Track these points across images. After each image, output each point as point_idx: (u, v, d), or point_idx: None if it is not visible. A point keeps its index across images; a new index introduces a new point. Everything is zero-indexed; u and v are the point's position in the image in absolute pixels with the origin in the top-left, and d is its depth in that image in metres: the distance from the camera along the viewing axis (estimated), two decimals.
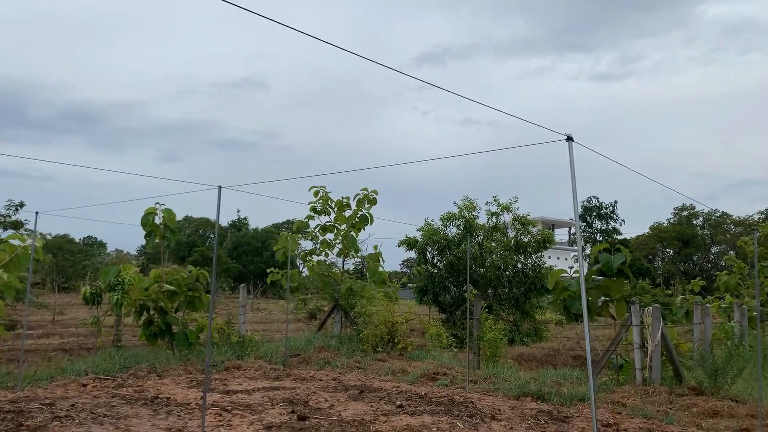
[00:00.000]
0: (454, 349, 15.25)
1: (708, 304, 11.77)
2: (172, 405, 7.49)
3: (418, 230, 24.26)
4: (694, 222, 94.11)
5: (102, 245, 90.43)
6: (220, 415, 7.00)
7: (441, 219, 24.35)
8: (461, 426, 6.96)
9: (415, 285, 24.91)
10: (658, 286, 56.27)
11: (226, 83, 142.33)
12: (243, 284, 13.89)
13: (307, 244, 15.33)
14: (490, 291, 23.92)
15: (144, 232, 11.63)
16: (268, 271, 14.39)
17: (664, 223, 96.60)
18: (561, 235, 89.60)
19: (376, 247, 15.10)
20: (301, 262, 14.76)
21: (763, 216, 73.99)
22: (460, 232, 24.13)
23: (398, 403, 8.14)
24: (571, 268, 12.09)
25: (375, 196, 14.83)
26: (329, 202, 14.83)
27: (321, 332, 14.38)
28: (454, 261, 23.18)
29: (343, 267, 14.93)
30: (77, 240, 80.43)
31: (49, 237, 62.20)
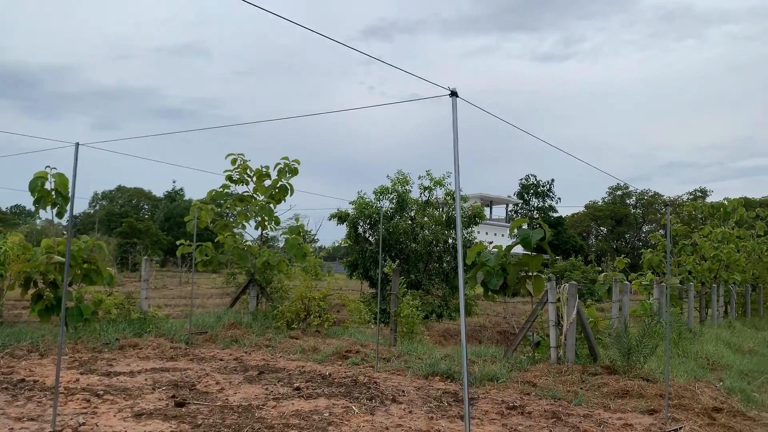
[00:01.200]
0: (380, 325, 14.81)
1: (628, 282, 11.65)
2: (37, 390, 6.72)
3: (350, 203, 23.69)
4: (627, 201, 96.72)
5: (30, 214, 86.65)
6: (88, 401, 6.28)
7: (374, 193, 23.83)
8: (356, 410, 6.46)
9: (346, 260, 24.40)
10: (590, 263, 57.60)
11: (165, 49, 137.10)
12: (145, 257, 12.99)
13: None
14: (420, 265, 23.63)
15: (33, 198, 10.61)
16: (177, 243, 13.54)
17: (599, 201, 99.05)
18: (499, 211, 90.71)
19: (297, 219, 14.46)
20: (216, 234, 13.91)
21: (691, 197, 76.60)
22: (393, 206, 23.67)
23: (296, 385, 7.59)
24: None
25: (296, 165, 14.13)
26: (247, 171, 14.03)
27: (237, 309, 13.67)
28: (386, 236, 22.72)
29: (260, 239, 14.21)
30: (3, 209, 76.78)
31: None
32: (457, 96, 3.70)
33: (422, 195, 23.68)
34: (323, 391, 7.34)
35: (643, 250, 21.93)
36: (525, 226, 10.98)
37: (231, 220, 14.20)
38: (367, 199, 23.47)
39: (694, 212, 22.82)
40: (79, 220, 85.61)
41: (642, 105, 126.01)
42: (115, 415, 5.80)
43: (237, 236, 13.82)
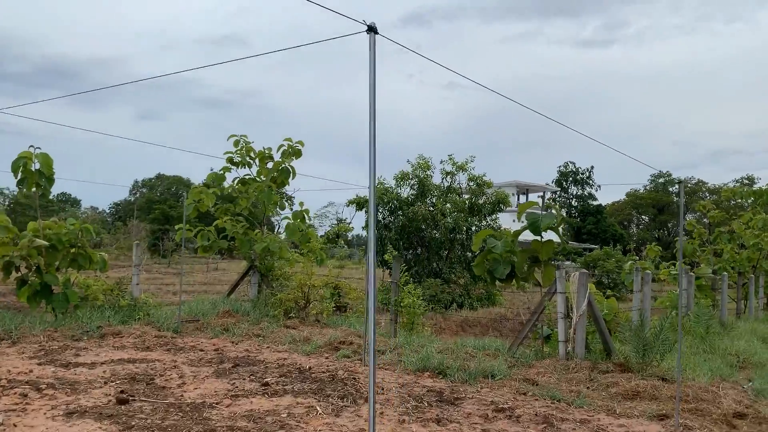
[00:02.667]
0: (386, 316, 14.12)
1: (650, 271, 10.71)
2: None
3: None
4: (670, 189, 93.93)
5: (76, 202, 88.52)
6: (26, 396, 5.75)
7: (394, 178, 23.11)
8: (320, 410, 5.79)
9: (361, 248, 23.76)
10: (628, 252, 55.76)
11: (206, 40, 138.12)
12: (137, 242, 12.52)
13: None
14: (442, 253, 22.84)
15: (16, 179, 10.19)
16: (176, 227, 13.05)
17: (640, 189, 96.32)
18: (535, 199, 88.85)
19: (302, 203, 13.82)
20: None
21: (737, 184, 73.71)
22: (414, 192, 22.91)
23: (267, 380, 6.95)
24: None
25: (300, 147, 13.47)
26: (251, 153, 13.44)
27: (237, 296, 13.14)
28: (406, 222, 21.99)
29: (263, 224, 13.62)
30: (50, 197, 78.48)
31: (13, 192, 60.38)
32: (376, 32, 2.98)
33: (444, 180, 22.85)
34: (294, 387, 6.69)
35: (675, 238, 20.69)
36: (536, 210, 10.14)
37: (232, 204, 13.64)
38: (386, 185, 22.74)
39: (734, 198, 21.44)
40: (120, 208, 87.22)
41: (688, 91, 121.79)
42: (45, 413, 5.24)
43: (237, 220, 13.26)
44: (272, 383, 6.80)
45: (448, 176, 22.73)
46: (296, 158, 13.46)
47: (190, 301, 12.27)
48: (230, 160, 13.26)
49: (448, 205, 22.70)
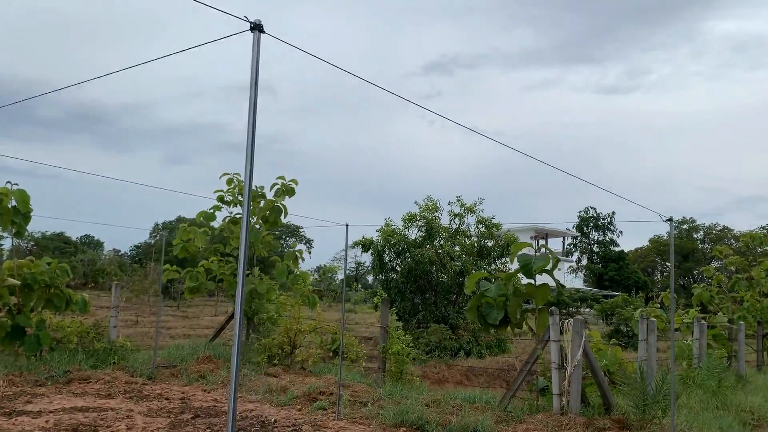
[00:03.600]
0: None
1: (653, 319, 9.98)
2: None
3: (377, 231, 22.52)
4: (695, 236, 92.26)
5: (99, 244, 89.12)
6: None
7: (402, 219, 22.62)
8: None
9: (369, 291, 23.14)
10: (650, 300, 54.22)
11: (233, 87, 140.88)
12: (116, 282, 12.11)
13: None
14: (451, 297, 22.14)
15: None
16: (163, 268, 12.63)
17: (663, 236, 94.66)
18: (554, 245, 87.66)
19: (294, 245, 13.38)
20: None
21: (765, 231, 71.94)
22: (422, 234, 22.37)
23: None
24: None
25: (293, 186, 13.08)
26: (242, 192, 13.06)
27: (223, 340, 12.59)
28: (413, 265, 21.38)
29: (254, 265, 13.14)
30: (74, 239, 79.34)
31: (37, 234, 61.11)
32: (262, 31, 2.55)
33: (452, 222, 22.30)
34: None
35: (695, 285, 19.80)
36: (529, 251, 9.56)
37: (222, 244, 13.23)
38: (393, 227, 22.25)
39: (753, 244, 20.55)
40: (141, 250, 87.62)
41: (712, 137, 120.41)
42: None
43: (227, 261, 12.82)
44: None
45: (456, 218, 22.19)
46: (289, 196, 13.05)
47: (170, 346, 11.76)
48: (221, 199, 12.89)
49: (457, 247, 22.11)
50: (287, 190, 13.00)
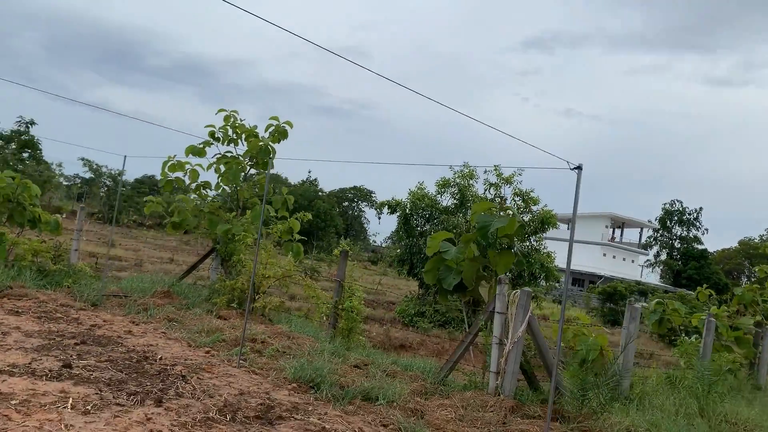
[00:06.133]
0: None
1: (638, 305, 8.72)
2: None
3: (408, 194, 21.63)
4: None
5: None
6: None
7: (436, 185, 21.60)
8: (71, 405, 4.60)
9: (393, 254, 22.38)
10: (723, 303, 50.74)
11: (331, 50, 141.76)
12: (82, 206, 11.86)
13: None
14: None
15: None
16: (145, 200, 12.30)
17: (755, 238, 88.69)
18: (631, 235, 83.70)
19: (284, 190, 12.75)
20: (195, 194, 12.56)
21: None
22: (455, 201, 21.30)
23: (79, 363, 5.85)
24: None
25: (287, 128, 12.43)
26: (236, 129, 12.54)
27: (195, 279, 12.22)
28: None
29: (240, 207, 12.63)
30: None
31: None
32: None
33: (487, 192, 21.07)
34: (98, 375, 5.54)
35: (746, 284, 17.87)
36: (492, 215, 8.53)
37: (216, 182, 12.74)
38: (425, 191, 21.29)
39: None
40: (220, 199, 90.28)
41: None
42: None
43: (214, 200, 12.38)
44: (80, 367, 5.69)
45: (492, 188, 20.94)
46: (283, 138, 12.41)
47: (133, 276, 11.47)
48: (212, 135, 12.40)
49: None
50: (280, 132, 12.37)
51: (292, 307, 14.59)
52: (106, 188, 63.46)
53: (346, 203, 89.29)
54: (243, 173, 12.28)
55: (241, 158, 12.46)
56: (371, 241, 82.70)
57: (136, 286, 10.56)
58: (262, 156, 12.08)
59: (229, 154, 12.48)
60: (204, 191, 12.62)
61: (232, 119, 12.68)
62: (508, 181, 20.75)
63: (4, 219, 10.06)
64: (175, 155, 12.21)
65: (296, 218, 12.01)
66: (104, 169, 60.21)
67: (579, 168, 4.40)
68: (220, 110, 12.61)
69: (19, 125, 31.75)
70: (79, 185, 64.76)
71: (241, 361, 7.06)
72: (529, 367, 7.77)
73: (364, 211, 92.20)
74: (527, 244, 20.76)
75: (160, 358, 6.58)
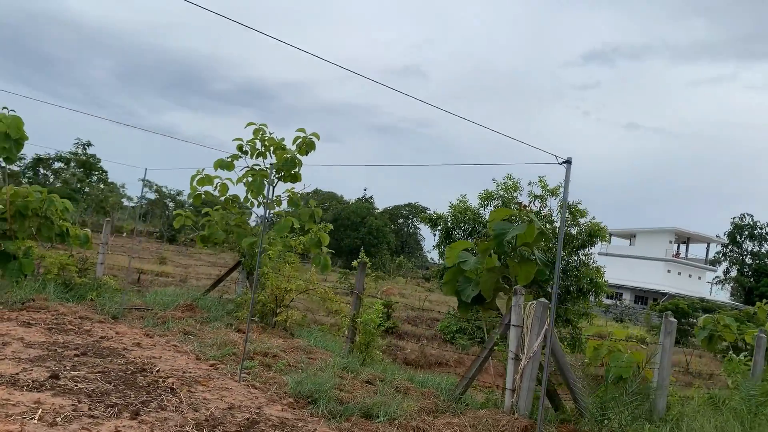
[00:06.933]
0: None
1: (673, 319, 8.04)
2: None
3: (448, 207, 21.17)
4: None
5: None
6: None
7: (478, 197, 21.07)
8: (38, 416, 4.44)
9: (435, 270, 21.89)
10: None
11: (387, 70, 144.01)
12: (107, 219, 11.94)
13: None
14: (535, 288, 20.36)
15: None
16: (175, 213, 12.32)
17: None
18: (697, 250, 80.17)
19: (311, 201, 12.59)
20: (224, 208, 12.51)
21: None
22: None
23: (67, 374, 5.73)
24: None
25: (314, 140, 12.29)
26: (264, 141, 12.47)
27: (219, 293, 12.13)
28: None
29: (266, 218, 12.50)
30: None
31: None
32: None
33: (532, 204, 20.37)
34: (83, 386, 5.39)
35: None
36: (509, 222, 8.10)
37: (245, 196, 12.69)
38: (468, 204, 20.80)
39: None
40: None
41: None
42: None
43: (242, 212, 12.32)
44: (68, 378, 5.57)
45: (536, 200, 20.23)
46: (311, 150, 12.27)
47: (158, 290, 11.45)
48: (239, 148, 12.36)
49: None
50: (307, 144, 12.23)
51: (327, 321, 14.34)
52: (166, 208, 65.28)
53: (401, 220, 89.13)
54: (271, 185, 12.17)
55: (267, 170, 12.36)
56: (428, 258, 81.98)
57: (159, 299, 10.53)
58: (288, 168, 11.94)
59: (257, 167, 12.41)
60: (233, 204, 12.56)
61: (261, 132, 12.62)
62: (553, 192, 20.01)
63: (33, 233, 10.21)
64: (203, 169, 12.22)
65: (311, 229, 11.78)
66: (164, 190, 62.01)
67: (568, 162, 4.00)
68: (249, 123, 12.56)
69: (77, 146, 33.02)
70: (143, 206, 66.83)
71: (243, 375, 6.83)
72: (550, 384, 7.25)
73: (419, 228, 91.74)
74: (574, 258, 19.96)
75: (158, 371, 6.41)
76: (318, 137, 12.32)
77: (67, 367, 5.95)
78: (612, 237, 74.80)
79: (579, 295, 19.30)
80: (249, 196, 12.50)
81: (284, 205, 12.29)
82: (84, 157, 32.82)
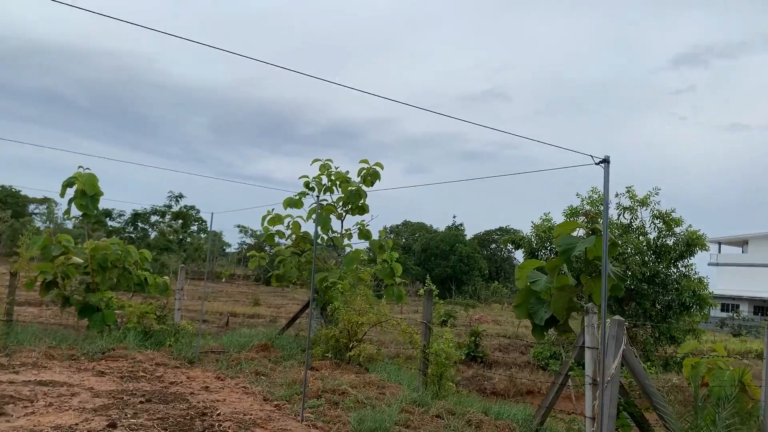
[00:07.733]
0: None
1: None
2: None
3: (531, 227, 20.46)
4: None
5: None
6: None
7: (563, 214, 20.22)
8: None
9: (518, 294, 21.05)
10: None
11: (468, 97, 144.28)
12: (182, 265, 12.15)
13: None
14: (633, 305, 19.21)
15: (62, 197, 10.52)
16: (248, 255, 12.46)
17: None
18: None
19: (383, 232, 12.41)
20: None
21: None
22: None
23: (126, 423, 5.72)
24: None
25: (379, 170, 12.17)
26: (330, 176, 12.49)
27: (295, 331, 12.07)
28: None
29: (338, 253, 12.44)
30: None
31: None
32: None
33: (621, 217, 19.31)
34: None
35: None
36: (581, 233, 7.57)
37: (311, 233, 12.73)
38: (552, 222, 20.00)
39: None
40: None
41: None
42: None
43: (303, 248, 12.33)
44: (125, 426, 5.55)
45: (626, 212, 19.15)
46: (376, 180, 12.17)
47: (236, 330, 11.52)
48: (306, 185, 12.43)
49: (630, 247, 19.09)
50: (372, 174, 12.13)
51: (404, 354, 14.00)
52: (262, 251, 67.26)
53: (494, 245, 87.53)
54: (339, 219, 12.12)
55: (333, 205, 12.33)
56: None
57: (235, 341, 10.59)
58: (354, 200, 11.86)
59: (324, 202, 12.41)
60: (305, 241, 12.58)
61: (327, 168, 12.65)
62: (643, 202, 18.91)
63: (106, 284, 10.57)
64: (273, 209, 12.34)
65: (384, 260, 11.55)
66: (258, 233, 63.96)
67: (606, 161, 3.57)
68: (315, 160, 12.65)
69: (170, 199, 34.77)
70: (241, 251, 69.25)
71: (307, 415, 6.62)
72: (635, 409, 6.61)
73: (512, 252, 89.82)
74: (673, 270, 18.66)
75: (218, 414, 6.31)
76: (382, 167, 12.21)
77: (128, 415, 5.95)
78: (721, 245, 70.03)
79: (682, 310, 17.97)
80: (319, 231, 12.49)
81: (355, 237, 12.16)
82: (180, 209, 34.56)
